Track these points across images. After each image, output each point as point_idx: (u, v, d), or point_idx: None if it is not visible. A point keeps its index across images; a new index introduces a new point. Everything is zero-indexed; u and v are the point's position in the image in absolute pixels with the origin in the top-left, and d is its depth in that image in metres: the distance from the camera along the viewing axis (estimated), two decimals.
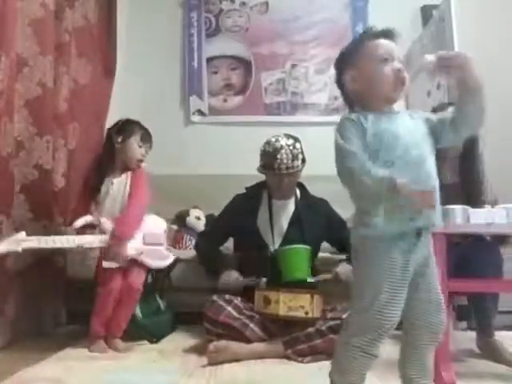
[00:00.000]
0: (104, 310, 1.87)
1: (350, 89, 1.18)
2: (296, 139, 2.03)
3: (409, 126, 1.12)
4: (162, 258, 1.99)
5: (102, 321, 1.88)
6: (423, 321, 1.10)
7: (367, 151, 1.07)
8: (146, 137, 2.08)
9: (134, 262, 1.92)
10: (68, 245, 1.84)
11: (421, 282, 1.11)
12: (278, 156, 1.95)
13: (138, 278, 1.92)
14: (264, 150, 2.02)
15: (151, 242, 1.98)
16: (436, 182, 1.10)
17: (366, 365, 1.08)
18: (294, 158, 1.98)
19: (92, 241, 1.87)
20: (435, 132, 1.15)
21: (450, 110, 1.27)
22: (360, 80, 1.16)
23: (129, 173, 2.05)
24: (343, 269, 1.94)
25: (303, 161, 2.04)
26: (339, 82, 1.22)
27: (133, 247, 1.92)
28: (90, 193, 2.00)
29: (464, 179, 1.84)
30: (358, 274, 1.14)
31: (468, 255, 1.78)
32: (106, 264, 1.86)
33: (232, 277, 1.96)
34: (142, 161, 2.07)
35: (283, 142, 1.99)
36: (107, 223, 1.90)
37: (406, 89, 1.14)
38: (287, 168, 1.97)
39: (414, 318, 1.11)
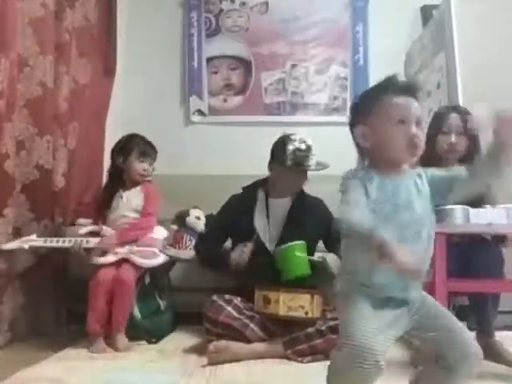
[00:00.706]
0: (96, 304, 1.87)
1: (360, 146, 1.11)
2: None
3: (411, 196, 1.05)
4: (151, 257, 2.01)
5: (97, 317, 1.87)
6: (458, 352, 1.03)
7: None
8: (147, 150, 2.10)
9: (126, 260, 1.96)
10: (71, 244, 1.92)
11: (427, 318, 1.06)
12: (310, 156, 1.98)
13: (128, 272, 1.93)
14: (295, 148, 1.99)
15: (146, 244, 2.02)
16: (430, 252, 1.07)
17: None
18: (313, 160, 2.01)
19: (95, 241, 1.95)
20: (443, 189, 1.08)
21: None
22: (370, 139, 1.08)
23: (140, 187, 2.12)
24: (331, 258, 1.96)
25: None
26: (352, 134, 1.14)
27: (125, 247, 1.97)
28: (101, 209, 2.08)
29: None
30: (339, 311, 1.09)
31: (469, 255, 1.78)
32: (100, 260, 1.92)
33: (239, 252, 1.96)
34: (145, 175, 2.10)
35: (309, 141, 2.01)
36: (109, 231, 1.98)
37: (419, 153, 1.06)
38: (315, 169, 2.00)
39: (444, 353, 1.04)
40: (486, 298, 1.80)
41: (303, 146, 1.98)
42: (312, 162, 1.98)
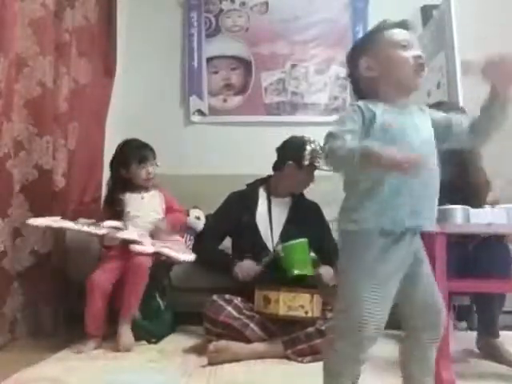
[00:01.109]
0: (91, 306, 1.87)
1: (365, 77, 1.14)
2: None
3: (417, 124, 1.10)
4: (184, 252, 2.05)
5: (92, 319, 1.88)
6: (421, 322, 1.09)
7: (369, 137, 1.04)
8: (145, 154, 2.11)
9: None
10: (102, 232, 1.94)
11: (414, 283, 1.09)
12: (316, 161, 2.02)
13: (144, 258, 1.93)
14: (312, 149, 2.04)
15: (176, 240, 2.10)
16: (435, 190, 1.09)
17: (353, 369, 1.06)
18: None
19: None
20: (441, 132, 1.13)
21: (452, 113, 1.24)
22: (377, 67, 1.12)
23: (158, 192, 2.19)
24: (326, 271, 1.96)
25: None
26: (351, 74, 1.19)
27: (154, 242, 2.00)
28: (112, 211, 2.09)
29: (467, 180, 1.82)
30: (341, 272, 1.12)
31: (477, 255, 1.78)
32: (137, 248, 1.94)
33: (250, 267, 1.97)
34: (151, 178, 2.12)
35: (315, 142, 2.05)
36: (133, 229, 2.01)
37: (424, 74, 1.11)
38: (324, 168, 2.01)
39: (412, 319, 1.10)
40: (491, 298, 1.79)
41: (318, 147, 2.04)
42: (320, 161, 2.02)
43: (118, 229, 1.97)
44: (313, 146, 2.04)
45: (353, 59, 1.18)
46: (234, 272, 1.97)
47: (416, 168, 0.94)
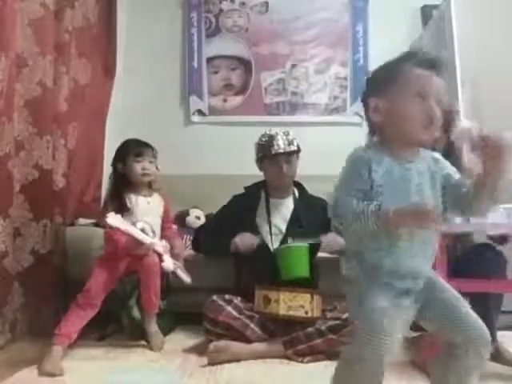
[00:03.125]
0: (79, 317, 1.81)
1: (371, 119, 1.04)
2: (288, 131, 2.08)
3: (422, 185, 1.01)
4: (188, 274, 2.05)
5: (72, 326, 1.79)
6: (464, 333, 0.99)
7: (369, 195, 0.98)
8: (141, 150, 2.09)
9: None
10: (147, 242, 1.90)
11: (432, 296, 1.04)
12: (274, 142, 2.01)
13: (154, 257, 1.93)
14: (259, 142, 2.08)
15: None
16: (434, 248, 1.05)
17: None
18: (290, 143, 2.03)
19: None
20: (448, 194, 1.04)
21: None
22: (384, 113, 1.01)
23: (160, 198, 2.16)
24: (327, 238, 1.99)
25: (298, 149, 2.07)
26: (365, 109, 1.07)
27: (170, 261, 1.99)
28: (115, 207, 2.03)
29: None
30: (353, 301, 1.05)
31: (471, 256, 1.77)
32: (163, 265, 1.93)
33: (251, 237, 1.99)
34: (147, 174, 2.08)
35: (277, 130, 2.06)
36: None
37: (435, 133, 0.99)
38: (284, 151, 2.00)
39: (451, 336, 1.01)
40: (486, 300, 1.79)
41: (264, 138, 2.05)
42: (279, 146, 2.00)
43: (143, 231, 1.95)
44: (264, 139, 2.04)
45: (365, 94, 1.06)
46: (233, 243, 1.98)
47: (431, 220, 0.90)
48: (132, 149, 2.08)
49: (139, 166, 2.06)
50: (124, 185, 2.08)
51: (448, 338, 1.03)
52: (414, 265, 1.02)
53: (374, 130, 1.07)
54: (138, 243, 1.90)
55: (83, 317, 1.82)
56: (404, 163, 1.02)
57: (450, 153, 1.61)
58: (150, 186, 2.15)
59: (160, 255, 1.95)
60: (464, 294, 1.97)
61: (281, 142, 2.01)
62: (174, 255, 2.04)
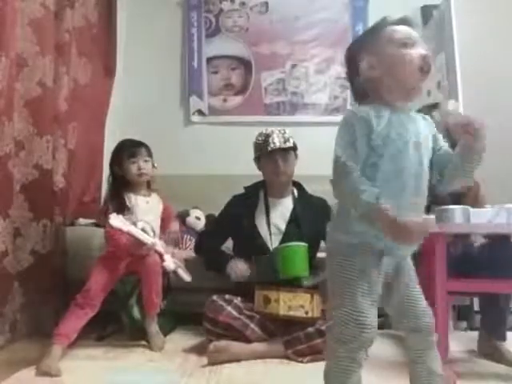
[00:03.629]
0: (78, 318, 1.81)
1: (366, 77, 1.08)
2: (285, 129, 2.10)
3: (419, 136, 1.06)
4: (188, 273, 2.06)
5: (70, 327, 1.79)
6: (410, 326, 1.09)
7: (368, 153, 1.02)
8: (135, 150, 2.08)
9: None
10: (148, 242, 1.91)
11: (394, 286, 1.10)
12: (270, 140, 2.02)
13: (156, 257, 1.93)
14: (256, 141, 2.09)
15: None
16: (423, 197, 1.08)
17: (355, 374, 1.03)
18: (286, 140, 2.04)
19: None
20: (433, 157, 1.10)
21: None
22: (380, 66, 1.06)
23: (158, 198, 2.16)
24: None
25: (295, 147, 2.08)
26: (350, 73, 1.14)
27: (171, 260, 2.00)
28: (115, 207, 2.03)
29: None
30: (332, 275, 1.10)
31: (481, 256, 1.77)
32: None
33: (242, 267, 1.97)
34: (143, 173, 2.08)
35: (273, 129, 2.08)
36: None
37: (429, 73, 1.05)
38: (280, 147, 2.01)
39: (402, 323, 1.10)
40: (498, 300, 1.78)
41: (261, 137, 2.06)
42: (274, 144, 2.01)
43: (144, 231, 1.96)
44: (260, 138, 2.06)
45: (352, 58, 1.13)
46: (226, 271, 1.98)
47: (409, 240, 0.96)
48: (126, 150, 2.08)
49: (135, 167, 2.06)
50: (123, 185, 2.08)
51: (400, 324, 1.11)
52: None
53: (364, 93, 1.11)
54: (140, 243, 1.90)
55: (83, 317, 1.82)
56: (403, 112, 1.08)
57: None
58: (148, 186, 2.15)
59: (161, 255, 1.95)
60: (470, 294, 1.96)
61: (276, 140, 2.02)
62: (166, 240, 2.07)
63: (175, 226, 2.19)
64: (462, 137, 1.04)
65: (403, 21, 1.11)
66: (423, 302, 1.10)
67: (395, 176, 1.03)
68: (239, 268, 1.97)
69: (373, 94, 1.09)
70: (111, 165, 2.12)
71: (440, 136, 1.14)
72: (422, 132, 1.08)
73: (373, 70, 1.07)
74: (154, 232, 2.02)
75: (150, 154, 2.12)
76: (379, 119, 1.03)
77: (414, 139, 1.05)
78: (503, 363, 1.72)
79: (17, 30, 1.96)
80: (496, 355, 1.76)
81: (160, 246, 1.97)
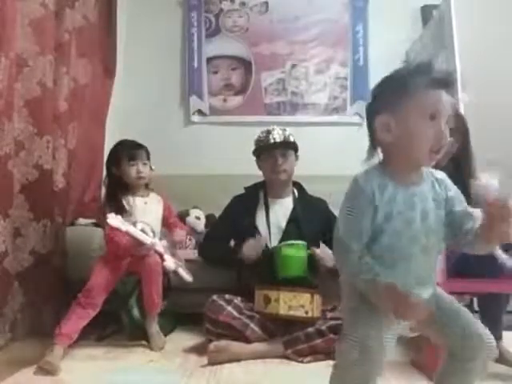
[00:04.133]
0: (79, 317, 1.81)
1: (379, 138, 0.99)
2: (286, 128, 2.13)
3: (426, 209, 1.00)
4: (186, 268, 2.06)
5: (72, 326, 1.78)
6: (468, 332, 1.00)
7: (371, 227, 0.98)
8: (134, 153, 2.07)
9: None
10: (148, 242, 1.91)
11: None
12: (270, 136, 2.05)
13: (156, 257, 1.93)
14: (257, 138, 2.12)
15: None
16: (434, 272, 1.05)
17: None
18: (287, 137, 2.06)
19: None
20: (451, 221, 1.03)
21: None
22: (394, 132, 0.96)
23: (157, 197, 2.16)
24: (322, 250, 1.97)
25: (295, 146, 2.09)
26: (369, 121, 1.03)
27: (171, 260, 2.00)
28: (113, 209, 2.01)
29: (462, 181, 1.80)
30: (348, 306, 1.05)
31: (476, 257, 1.77)
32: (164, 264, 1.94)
33: (254, 246, 1.97)
34: (142, 177, 2.07)
35: (275, 126, 2.11)
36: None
37: (441, 155, 0.97)
38: (280, 141, 2.03)
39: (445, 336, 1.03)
40: (495, 300, 1.78)
41: (262, 134, 2.09)
42: (274, 139, 2.04)
43: (143, 231, 1.95)
44: (261, 134, 2.09)
45: (372, 108, 1.02)
46: (242, 259, 1.96)
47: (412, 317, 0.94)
48: (125, 152, 2.07)
49: (133, 170, 2.06)
50: (120, 187, 2.07)
51: (451, 345, 1.03)
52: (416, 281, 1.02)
53: (375, 147, 1.03)
54: (139, 244, 1.90)
55: (84, 316, 1.82)
56: (408, 186, 1.00)
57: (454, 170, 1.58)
58: (146, 187, 2.15)
59: (161, 255, 1.95)
60: (470, 294, 1.96)
61: (277, 136, 2.04)
62: (172, 241, 2.07)
63: (181, 234, 2.18)
64: (487, 217, 0.93)
65: (444, 81, 0.96)
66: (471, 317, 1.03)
67: (401, 251, 0.99)
68: (251, 248, 1.97)
69: (383, 154, 1.02)
70: (108, 165, 2.11)
71: (459, 197, 1.05)
72: (431, 205, 1.01)
73: (387, 131, 0.97)
74: (153, 232, 2.01)
75: (148, 157, 2.12)
76: (383, 194, 0.97)
77: (420, 217, 0.99)
78: (502, 363, 1.72)
79: (17, 30, 1.96)
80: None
81: (160, 246, 1.97)
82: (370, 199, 0.97)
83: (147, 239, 1.91)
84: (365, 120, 1.06)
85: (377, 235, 0.99)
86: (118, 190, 2.07)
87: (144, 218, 2.02)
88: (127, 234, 1.86)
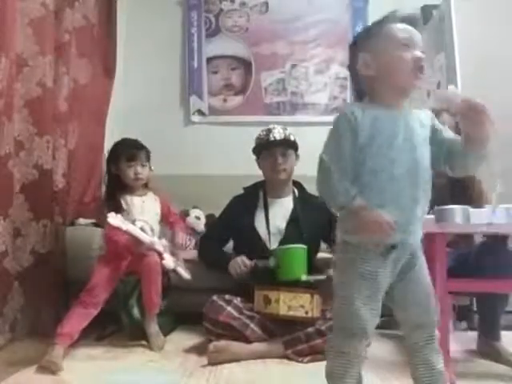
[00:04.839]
0: (81, 316, 1.81)
1: (361, 75, 1.07)
2: (286, 128, 2.13)
3: (411, 132, 1.05)
4: (184, 267, 2.06)
5: (73, 326, 1.78)
6: (415, 322, 1.08)
7: (355, 153, 1.02)
8: (134, 153, 2.07)
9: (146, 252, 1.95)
10: (146, 241, 1.92)
11: (406, 282, 1.08)
12: (271, 134, 2.05)
13: (155, 257, 1.93)
14: (258, 136, 2.12)
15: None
16: (426, 198, 1.07)
17: (353, 366, 1.05)
18: (287, 136, 2.06)
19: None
20: (437, 147, 1.08)
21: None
22: (374, 65, 1.05)
23: (154, 196, 2.15)
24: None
25: (296, 145, 2.09)
26: (352, 68, 1.11)
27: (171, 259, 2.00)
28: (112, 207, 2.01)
29: (462, 181, 1.80)
30: (337, 276, 1.11)
31: (479, 258, 1.77)
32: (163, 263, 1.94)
33: (242, 263, 1.97)
34: (139, 178, 2.07)
35: (276, 125, 2.12)
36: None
37: (422, 81, 1.04)
38: (280, 139, 2.03)
39: (407, 319, 1.10)
40: (493, 300, 1.79)
41: (263, 132, 2.09)
42: (275, 137, 2.04)
43: (142, 230, 1.96)
44: (262, 132, 2.09)
45: (353, 52, 1.11)
46: (229, 270, 1.98)
47: (390, 233, 0.98)
48: (124, 152, 2.06)
49: (131, 171, 2.05)
50: (119, 186, 2.07)
51: (404, 320, 1.10)
52: (403, 217, 1.03)
53: (361, 92, 1.10)
54: (139, 242, 1.90)
55: (86, 316, 1.82)
56: (393, 110, 1.05)
57: None
58: (145, 186, 2.14)
59: (160, 254, 1.95)
60: (469, 294, 1.97)
61: (277, 135, 2.04)
62: (174, 243, 2.08)
63: (183, 236, 2.19)
64: (463, 124, 1.02)
65: (409, 19, 1.08)
66: (433, 300, 1.10)
67: (386, 173, 1.02)
68: (237, 263, 1.97)
69: (368, 91, 1.09)
70: (108, 163, 2.11)
71: (441, 126, 1.12)
72: (416, 126, 1.06)
73: (367, 67, 1.06)
74: (152, 231, 2.02)
75: (148, 158, 2.11)
76: (364, 117, 1.02)
77: (404, 135, 1.04)
78: (501, 362, 1.72)
79: (17, 30, 1.96)
80: (494, 354, 1.76)
81: (159, 244, 1.97)
82: (350, 121, 1.02)
83: (146, 238, 1.91)
84: (348, 68, 1.14)
85: (361, 159, 1.03)
86: (117, 189, 2.06)
87: (142, 216, 2.03)
88: (127, 232, 1.86)
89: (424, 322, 1.08)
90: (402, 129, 1.04)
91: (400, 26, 1.06)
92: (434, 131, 1.10)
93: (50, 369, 1.60)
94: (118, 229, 1.85)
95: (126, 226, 1.86)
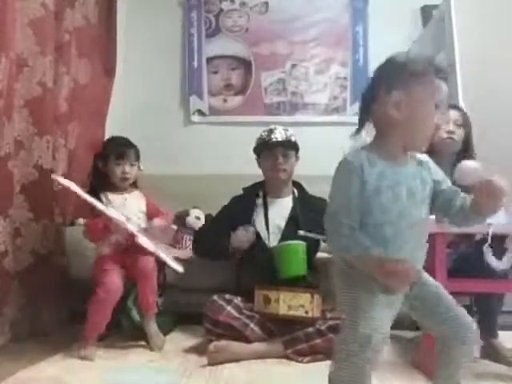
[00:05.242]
0: (100, 314, 1.83)
1: (387, 112, 0.98)
2: (288, 128, 2.13)
3: (412, 186, 1.03)
4: (174, 260, 1.99)
5: (97, 326, 1.84)
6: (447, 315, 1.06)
7: (361, 201, 1.01)
8: (124, 152, 2.03)
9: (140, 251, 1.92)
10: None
11: (420, 286, 1.07)
12: (272, 135, 2.05)
13: (149, 258, 1.92)
14: (259, 136, 2.12)
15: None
16: (424, 250, 1.08)
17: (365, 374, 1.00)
18: (288, 137, 2.06)
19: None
20: (438, 200, 1.07)
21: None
22: (406, 111, 0.96)
23: (140, 193, 2.10)
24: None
25: (296, 146, 2.09)
26: (370, 92, 1.03)
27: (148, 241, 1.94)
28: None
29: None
30: (342, 293, 1.06)
31: (476, 256, 1.77)
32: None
33: (245, 235, 1.98)
34: (126, 178, 2.03)
35: (277, 126, 2.12)
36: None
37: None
38: (281, 140, 2.03)
39: (439, 319, 1.07)
40: (490, 298, 1.79)
41: (264, 132, 2.10)
42: (276, 138, 2.04)
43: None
44: (264, 133, 2.10)
45: (380, 81, 1.00)
46: (231, 249, 1.98)
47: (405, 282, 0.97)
48: (114, 150, 2.04)
49: (119, 170, 2.02)
50: (104, 182, 2.04)
51: (438, 330, 1.09)
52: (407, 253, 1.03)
53: (369, 119, 1.05)
54: (109, 219, 1.87)
55: (106, 313, 1.83)
56: (395, 165, 1.03)
57: (432, 151, 1.61)
58: (134, 185, 2.10)
59: (133, 234, 1.90)
60: (467, 293, 1.97)
61: (278, 135, 2.04)
62: (151, 227, 2.03)
63: (158, 221, 2.08)
64: (477, 195, 0.99)
65: (442, 71, 1.02)
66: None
67: (391, 226, 1.01)
68: (240, 237, 1.98)
69: (381, 132, 1.03)
70: (95, 159, 2.08)
71: (443, 177, 1.09)
72: (418, 183, 1.05)
73: (398, 109, 0.97)
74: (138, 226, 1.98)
75: (137, 157, 2.08)
76: (372, 167, 1.00)
77: (407, 189, 1.02)
78: (499, 360, 1.72)
79: (17, 30, 1.96)
80: (492, 353, 1.77)
81: (133, 226, 1.92)
82: (357, 173, 0.99)
83: (114, 213, 1.88)
84: (365, 91, 1.06)
85: (367, 211, 1.01)
86: (99, 185, 2.03)
87: (129, 214, 1.98)
88: (108, 216, 1.86)
89: (457, 313, 1.08)
90: (405, 188, 1.02)
91: (440, 83, 1.00)
92: (436, 182, 1.08)
93: (88, 358, 1.76)
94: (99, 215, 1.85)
95: (78, 190, 1.85)
